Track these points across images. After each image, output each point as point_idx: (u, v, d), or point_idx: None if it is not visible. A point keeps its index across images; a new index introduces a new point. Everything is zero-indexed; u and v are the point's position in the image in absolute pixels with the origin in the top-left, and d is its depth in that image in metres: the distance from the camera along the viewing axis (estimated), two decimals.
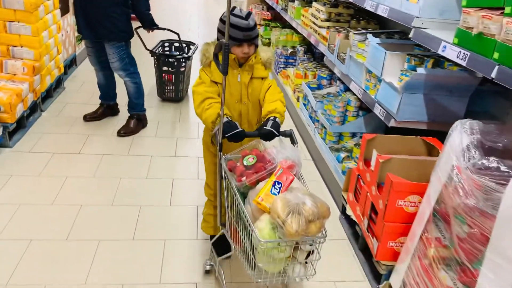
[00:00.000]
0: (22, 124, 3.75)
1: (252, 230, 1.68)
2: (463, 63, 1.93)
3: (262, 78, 2.25)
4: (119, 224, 2.75)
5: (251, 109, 2.28)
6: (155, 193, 3.12)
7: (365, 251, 2.58)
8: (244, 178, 1.85)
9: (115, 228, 2.72)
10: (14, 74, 3.85)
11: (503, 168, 1.62)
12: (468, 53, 1.89)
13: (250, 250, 1.77)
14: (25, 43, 3.93)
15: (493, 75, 1.73)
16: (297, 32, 5.35)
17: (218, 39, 2.18)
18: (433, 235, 1.93)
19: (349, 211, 2.82)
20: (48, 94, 4.41)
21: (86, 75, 5.10)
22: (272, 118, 2.10)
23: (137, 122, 4.03)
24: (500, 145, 1.79)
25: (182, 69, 4.63)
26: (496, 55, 1.74)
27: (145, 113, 4.14)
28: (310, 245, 1.70)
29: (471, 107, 2.53)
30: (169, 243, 2.64)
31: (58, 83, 4.67)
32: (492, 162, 1.66)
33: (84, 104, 4.43)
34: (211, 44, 2.19)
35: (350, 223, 2.87)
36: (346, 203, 2.84)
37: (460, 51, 1.95)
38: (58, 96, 4.58)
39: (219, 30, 2.17)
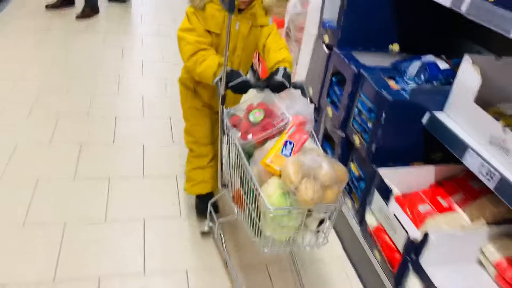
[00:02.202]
0: None
1: (259, 195, 1.49)
2: None
3: (261, 26, 1.98)
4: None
5: (243, 62, 2.03)
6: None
7: None
8: (250, 135, 1.64)
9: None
10: None
11: None
12: None
13: (256, 216, 1.59)
14: None
15: None
16: None
17: None
18: None
19: None
20: None
21: None
22: (282, 67, 1.87)
23: (90, 9, 4.91)
24: None
25: None
26: None
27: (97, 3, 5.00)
28: (325, 212, 1.51)
29: None
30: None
31: None
32: None
33: None
34: None
35: None
36: None
37: None
38: None
39: None
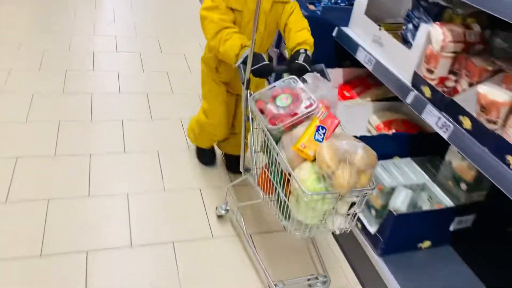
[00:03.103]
0: None
1: (293, 179, 1.50)
2: None
3: (283, 2, 1.96)
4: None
5: (265, 39, 2.03)
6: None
7: None
8: (279, 120, 1.64)
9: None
10: None
11: None
12: None
13: (287, 200, 1.60)
14: None
15: None
16: None
17: None
18: None
19: None
20: None
21: None
22: (302, 50, 1.86)
23: None
24: None
25: None
26: None
27: None
28: (357, 196, 1.53)
29: None
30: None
31: None
32: None
33: None
34: None
35: None
36: None
37: None
38: None
39: None
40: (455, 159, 2.00)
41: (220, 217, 2.24)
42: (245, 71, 1.74)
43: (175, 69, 3.59)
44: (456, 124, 1.64)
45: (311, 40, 1.93)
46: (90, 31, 4.06)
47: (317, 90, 1.75)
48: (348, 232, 1.64)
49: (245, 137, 1.89)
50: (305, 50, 1.87)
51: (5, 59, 3.33)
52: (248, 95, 1.75)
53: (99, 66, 3.49)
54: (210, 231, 2.16)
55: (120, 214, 2.17)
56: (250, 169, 1.91)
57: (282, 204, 1.62)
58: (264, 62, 1.78)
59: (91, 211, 2.16)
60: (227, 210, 2.23)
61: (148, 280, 1.88)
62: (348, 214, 1.61)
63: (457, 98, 1.65)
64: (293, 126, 1.64)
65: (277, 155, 1.59)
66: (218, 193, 2.37)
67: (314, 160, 1.50)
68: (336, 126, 1.55)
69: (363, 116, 2.52)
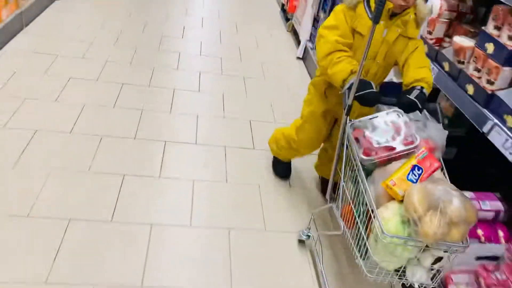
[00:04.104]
0: None
1: (374, 218, 1.39)
2: None
3: (409, 38, 1.86)
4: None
5: (381, 71, 1.93)
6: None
7: None
8: (374, 153, 1.55)
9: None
10: None
11: None
12: None
13: (366, 238, 1.49)
14: None
15: None
16: None
17: None
18: None
19: None
20: None
21: None
22: (418, 87, 1.73)
23: None
24: None
25: None
26: None
27: None
28: (445, 251, 1.37)
29: None
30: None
31: None
32: None
33: None
34: None
35: None
36: None
37: None
38: None
39: None
40: (442, 101, 2.29)
41: (301, 241, 2.18)
42: (349, 96, 1.69)
43: (251, 75, 3.74)
44: (440, 68, 2.01)
45: (430, 79, 1.79)
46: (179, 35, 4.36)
47: (425, 129, 1.63)
48: None
49: (337, 164, 1.82)
50: (421, 87, 1.74)
51: (102, 51, 3.66)
52: (348, 121, 1.69)
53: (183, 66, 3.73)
54: (263, 223, 2.24)
55: (184, 197, 2.30)
56: (336, 199, 1.83)
57: (360, 241, 1.52)
58: (372, 90, 1.71)
59: (159, 190, 2.32)
60: (309, 236, 2.16)
61: (199, 259, 1.99)
62: (432, 269, 1.44)
63: (443, 50, 2.03)
64: (389, 161, 1.54)
65: (364, 189, 1.50)
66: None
67: (402, 201, 1.38)
68: (436, 169, 1.42)
69: None
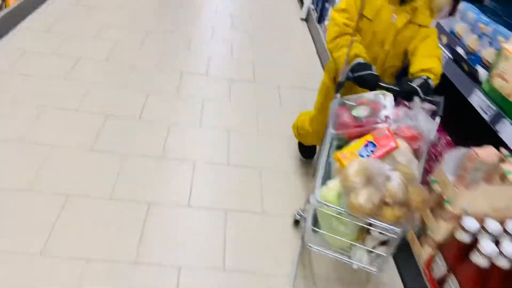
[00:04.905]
0: None
1: (317, 184, 1.39)
2: None
3: (420, 26, 1.76)
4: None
5: (390, 58, 1.84)
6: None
7: None
8: (345, 128, 1.53)
9: None
10: None
11: None
12: None
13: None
14: None
15: None
16: None
17: None
18: None
19: None
20: None
21: None
22: (424, 77, 1.65)
23: None
24: None
25: None
26: None
27: None
28: (381, 233, 1.32)
29: None
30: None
31: None
32: None
33: None
34: None
35: None
36: None
37: None
38: None
39: None
40: None
41: (296, 222, 2.19)
42: (347, 76, 1.67)
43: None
44: None
45: (438, 70, 1.69)
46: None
47: (416, 118, 1.56)
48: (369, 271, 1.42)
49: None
50: (427, 77, 1.66)
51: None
52: (337, 96, 1.67)
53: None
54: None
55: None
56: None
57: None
58: (372, 72, 1.67)
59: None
60: (301, 216, 2.16)
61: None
62: (372, 252, 1.40)
63: None
64: (359, 138, 1.50)
65: (321, 157, 1.49)
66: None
67: None
68: (391, 149, 1.36)
69: None
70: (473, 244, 1.47)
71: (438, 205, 1.68)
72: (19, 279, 1.67)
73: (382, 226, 1.27)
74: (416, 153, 1.49)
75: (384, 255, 1.36)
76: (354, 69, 1.68)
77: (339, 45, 1.78)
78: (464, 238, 1.52)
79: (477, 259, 1.43)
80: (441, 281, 1.60)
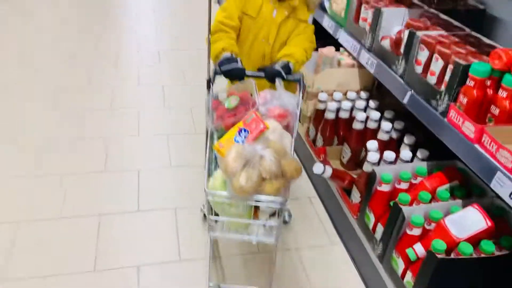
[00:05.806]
0: None
1: (205, 177, 1.50)
2: None
3: (300, 20, 1.95)
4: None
5: (275, 52, 2.01)
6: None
7: None
8: (221, 119, 1.65)
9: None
10: None
11: None
12: None
13: None
14: None
15: None
16: None
17: None
18: None
19: None
20: None
21: None
22: (285, 61, 1.84)
23: None
24: None
25: None
26: None
27: None
28: (268, 206, 1.47)
29: None
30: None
31: None
32: None
33: None
34: None
35: None
36: None
37: None
38: None
39: None
40: None
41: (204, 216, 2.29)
42: (215, 72, 1.79)
43: None
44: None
45: (301, 57, 1.88)
46: None
47: (280, 97, 1.72)
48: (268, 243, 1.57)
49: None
50: (288, 61, 1.84)
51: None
52: (210, 93, 1.78)
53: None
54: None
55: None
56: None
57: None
58: (236, 66, 1.80)
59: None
60: None
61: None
62: (265, 225, 1.55)
63: None
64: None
65: (206, 151, 1.61)
66: None
67: None
68: (261, 131, 1.51)
69: None
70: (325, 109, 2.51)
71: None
72: None
73: (267, 199, 1.42)
74: (287, 128, 1.67)
75: (276, 224, 1.52)
76: (221, 64, 1.80)
77: (212, 41, 1.88)
78: (321, 107, 2.57)
79: (328, 114, 2.48)
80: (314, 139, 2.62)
